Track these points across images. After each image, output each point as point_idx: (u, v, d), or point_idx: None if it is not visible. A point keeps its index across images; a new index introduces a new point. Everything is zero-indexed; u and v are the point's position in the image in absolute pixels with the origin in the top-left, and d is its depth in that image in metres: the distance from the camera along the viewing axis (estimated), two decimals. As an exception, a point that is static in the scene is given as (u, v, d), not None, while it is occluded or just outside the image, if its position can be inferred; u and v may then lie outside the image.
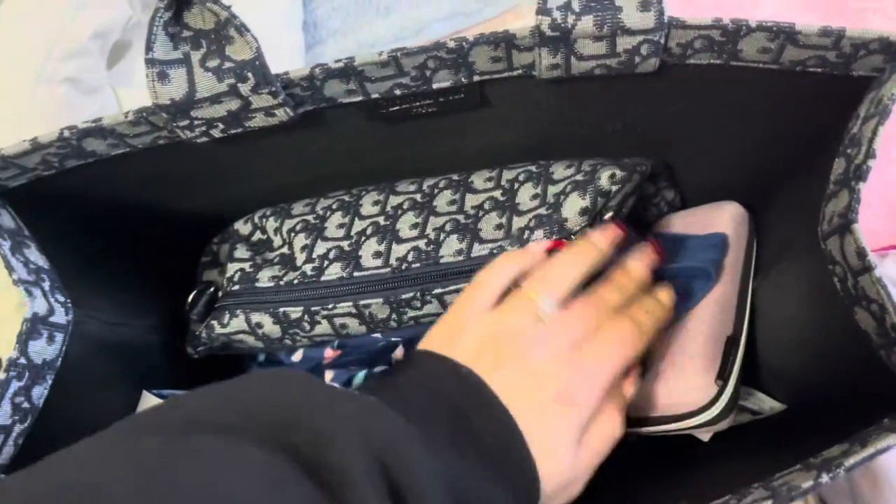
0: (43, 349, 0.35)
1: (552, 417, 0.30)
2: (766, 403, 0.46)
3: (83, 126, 0.34)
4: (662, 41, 0.31)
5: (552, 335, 0.32)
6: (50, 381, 0.35)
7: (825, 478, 0.26)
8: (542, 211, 0.40)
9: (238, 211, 0.49)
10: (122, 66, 0.55)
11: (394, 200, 0.45)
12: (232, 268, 0.47)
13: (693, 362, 0.37)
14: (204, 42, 0.32)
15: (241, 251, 0.48)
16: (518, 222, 0.40)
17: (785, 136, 0.38)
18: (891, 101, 0.29)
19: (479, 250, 0.40)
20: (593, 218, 0.39)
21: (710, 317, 0.40)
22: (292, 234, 0.46)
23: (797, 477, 0.27)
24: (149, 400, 0.43)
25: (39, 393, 0.35)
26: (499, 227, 0.41)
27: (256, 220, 0.49)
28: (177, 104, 0.33)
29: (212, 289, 0.48)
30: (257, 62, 0.32)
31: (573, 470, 0.31)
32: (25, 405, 0.34)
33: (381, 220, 0.44)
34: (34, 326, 0.34)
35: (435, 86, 0.35)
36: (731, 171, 0.44)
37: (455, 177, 0.44)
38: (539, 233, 0.39)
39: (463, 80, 0.34)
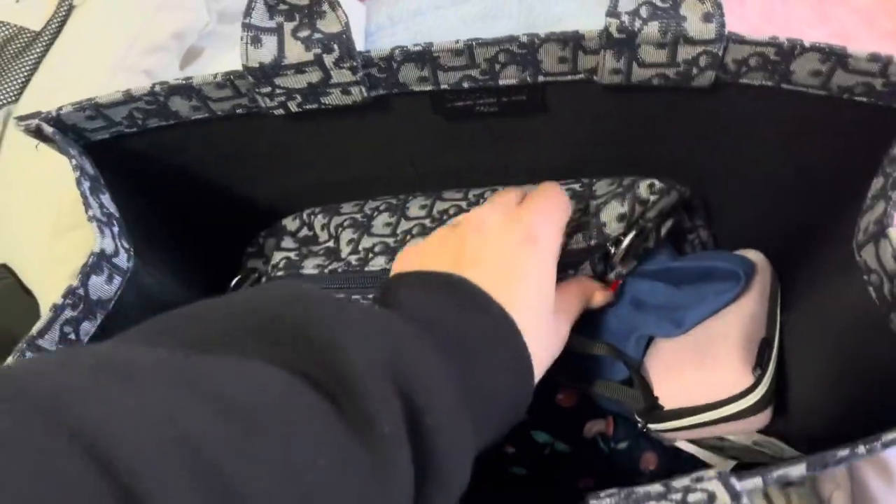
0: (101, 286, 0.36)
1: (523, 260, 0.33)
2: (785, 451, 0.46)
3: (174, 83, 0.37)
4: (720, 54, 0.34)
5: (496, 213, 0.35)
6: (99, 320, 0.36)
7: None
8: (583, 219, 0.42)
9: (292, 208, 0.51)
10: (194, 68, 0.59)
11: (440, 206, 0.47)
12: (278, 256, 0.49)
13: (730, 354, 0.40)
14: (297, 15, 0.35)
15: (288, 243, 0.50)
16: None
17: (825, 174, 0.40)
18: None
19: None
20: (630, 225, 0.41)
21: (743, 323, 0.42)
22: (339, 230, 0.48)
23: None
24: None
25: (87, 329, 0.36)
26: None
27: (305, 216, 0.51)
28: (264, 68, 0.35)
29: (255, 275, 0.50)
30: (344, 35, 0.35)
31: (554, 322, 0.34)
32: (72, 336, 0.35)
33: (426, 221, 0.46)
34: (99, 262, 0.36)
35: (501, 82, 0.37)
36: (767, 213, 0.46)
37: (501, 187, 0.47)
38: (578, 236, 0.41)
39: (528, 79, 0.37)
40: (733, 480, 0.26)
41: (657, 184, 0.41)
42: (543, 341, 0.32)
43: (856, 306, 0.35)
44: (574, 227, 0.41)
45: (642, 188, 0.41)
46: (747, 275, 0.44)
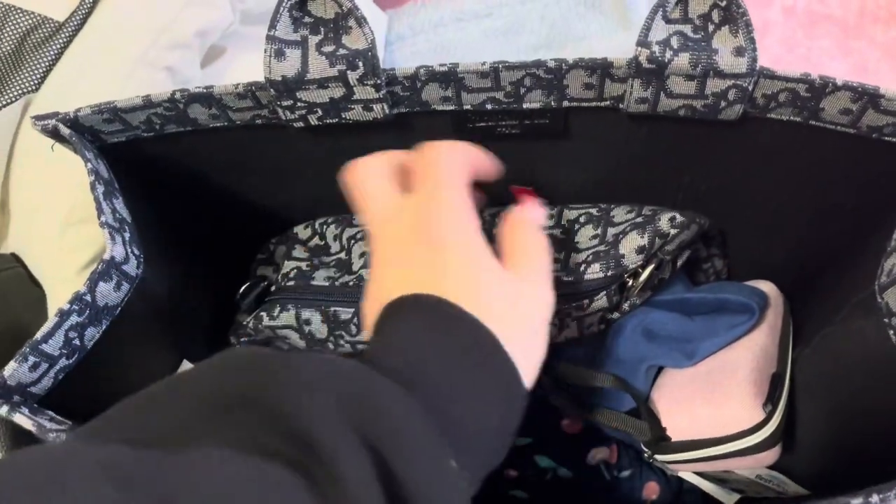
0: (108, 293, 0.36)
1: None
2: (790, 487, 0.46)
3: (195, 91, 0.37)
4: (750, 88, 0.33)
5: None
6: (105, 326, 0.36)
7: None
8: (601, 248, 0.41)
9: (304, 217, 0.51)
10: (215, 68, 0.58)
11: None
12: (289, 265, 0.48)
13: (741, 389, 0.39)
14: (322, 29, 0.35)
15: (299, 252, 0.50)
16: (576, 258, 0.42)
17: (846, 211, 0.40)
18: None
19: None
20: (649, 257, 0.40)
21: (755, 357, 0.42)
22: (352, 242, 0.47)
23: None
24: (186, 367, 0.44)
25: (92, 335, 0.35)
26: (556, 260, 0.42)
27: (317, 226, 0.50)
28: (287, 82, 0.35)
29: (265, 283, 0.50)
30: (370, 53, 0.34)
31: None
32: (76, 342, 0.34)
33: None
34: (108, 269, 0.35)
35: (525, 106, 0.37)
36: (785, 246, 0.45)
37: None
38: (595, 266, 0.40)
39: (553, 103, 0.36)
40: None
41: (678, 217, 0.40)
42: (518, 338, 0.29)
43: (874, 348, 0.35)
44: (592, 258, 0.41)
45: (663, 221, 0.40)
46: (760, 308, 0.44)
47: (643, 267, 0.40)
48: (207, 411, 0.23)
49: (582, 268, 0.41)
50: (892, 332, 0.33)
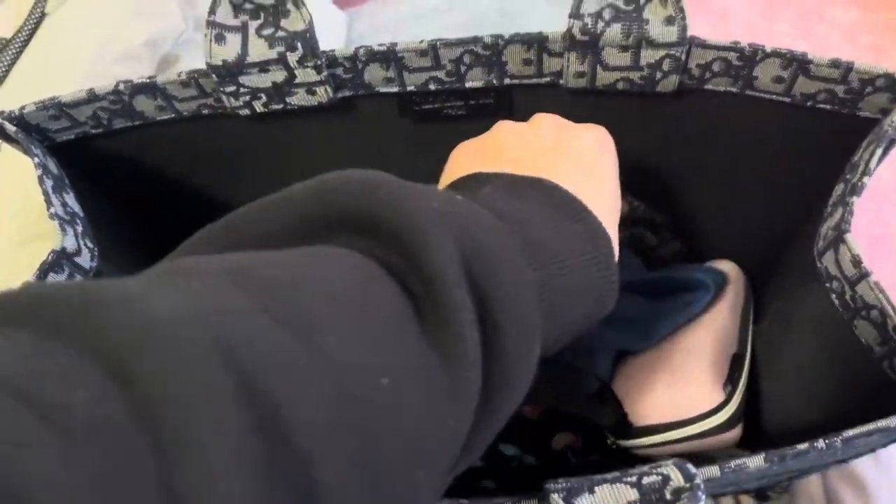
0: None
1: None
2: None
3: (138, 82, 0.37)
4: (683, 58, 0.33)
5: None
6: None
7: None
8: None
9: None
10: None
11: None
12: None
13: (701, 372, 0.39)
14: (262, 14, 0.35)
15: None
16: None
17: (791, 181, 0.40)
18: (890, 128, 0.31)
19: None
20: None
21: (714, 339, 0.42)
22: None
23: None
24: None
25: None
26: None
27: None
28: (228, 66, 0.35)
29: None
30: (308, 34, 0.34)
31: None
32: None
33: None
34: (58, 260, 0.35)
35: (468, 84, 0.37)
36: (737, 222, 0.45)
37: None
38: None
39: (494, 81, 0.37)
40: (689, 465, 0.26)
41: None
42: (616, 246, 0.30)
43: (821, 314, 0.35)
44: None
45: None
46: (717, 285, 0.44)
47: None
48: (315, 221, 0.22)
49: None
50: (833, 296, 0.33)
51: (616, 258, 0.28)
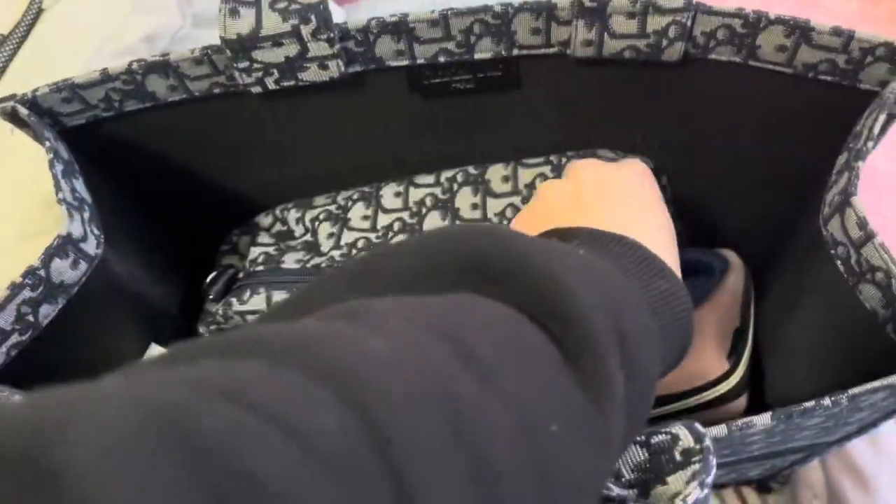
0: (64, 270, 0.35)
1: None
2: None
3: (151, 60, 0.37)
4: (689, 24, 0.35)
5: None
6: (61, 305, 0.35)
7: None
8: None
9: (266, 203, 0.51)
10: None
11: (414, 194, 0.47)
12: (255, 251, 0.48)
13: (706, 344, 0.41)
14: (275, -12, 0.36)
15: (264, 238, 0.50)
16: None
17: (790, 157, 0.41)
18: (892, 95, 0.32)
19: None
20: None
21: (717, 315, 0.43)
22: (316, 223, 0.48)
23: None
24: (155, 351, 0.44)
25: (46, 312, 0.34)
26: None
27: (277, 212, 0.51)
28: (241, 40, 0.36)
29: (232, 270, 0.50)
30: (322, 6, 0.35)
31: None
32: (30, 318, 0.33)
33: (405, 216, 0.46)
34: (63, 245, 0.35)
35: (476, 56, 0.38)
36: (740, 206, 0.46)
37: (472, 170, 0.47)
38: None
39: (503, 52, 0.37)
40: (697, 425, 0.26)
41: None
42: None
43: (825, 282, 0.35)
44: None
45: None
46: (721, 269, 0.45)
47: None
48: (447, 270, 0.22)
49: None
50: (838, 262, 0.33)
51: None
